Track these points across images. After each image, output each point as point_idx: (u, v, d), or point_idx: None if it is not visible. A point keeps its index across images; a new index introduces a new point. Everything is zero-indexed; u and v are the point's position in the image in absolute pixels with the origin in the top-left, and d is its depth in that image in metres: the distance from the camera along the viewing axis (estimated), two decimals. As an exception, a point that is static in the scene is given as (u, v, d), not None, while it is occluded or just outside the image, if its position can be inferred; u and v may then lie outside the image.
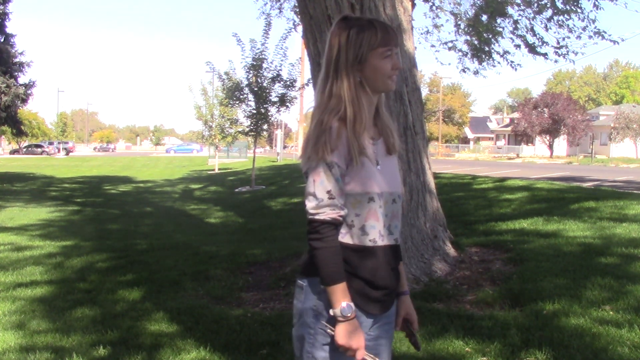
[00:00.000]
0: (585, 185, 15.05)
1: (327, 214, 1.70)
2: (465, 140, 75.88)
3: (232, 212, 13.16)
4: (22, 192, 18.51)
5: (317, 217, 1.70)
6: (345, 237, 1.75)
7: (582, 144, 52.37)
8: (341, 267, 1.70)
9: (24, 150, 62.63)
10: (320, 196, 1.69)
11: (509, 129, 62.75)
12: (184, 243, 7.78)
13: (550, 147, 51.33)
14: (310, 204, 1.71)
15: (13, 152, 64.04)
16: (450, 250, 5.56)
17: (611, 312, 3.98)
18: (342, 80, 1.75)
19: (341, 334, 1.67)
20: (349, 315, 1.67)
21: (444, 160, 43.13)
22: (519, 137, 58.32)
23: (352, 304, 1.68)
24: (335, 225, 1.71)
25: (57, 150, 60.80)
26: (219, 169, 30.46)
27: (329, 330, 1.71)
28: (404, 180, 5.16)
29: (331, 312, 1.69)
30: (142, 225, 10.63)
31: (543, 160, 44.99)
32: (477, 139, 75.11)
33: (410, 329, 1.94)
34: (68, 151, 62.06)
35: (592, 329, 3.68)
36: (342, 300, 1.67)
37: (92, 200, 16.06)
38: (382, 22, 1.82)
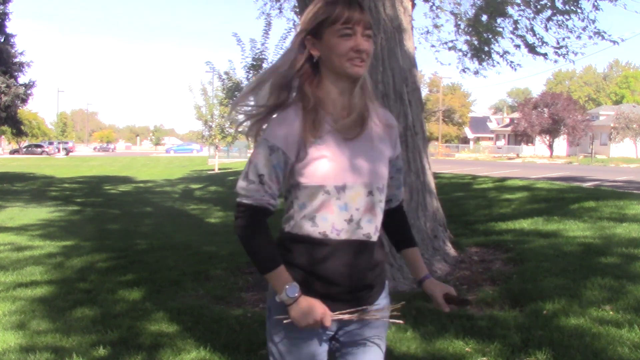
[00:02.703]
0: (585, 185, 15.05)
1: (254, 199, 1.60)
2: (465, 140, 75.86)
3: (232, 212, 13.13)
4: (22, 192, 18.51)
5: (244, 200, 1.61)
6: (291, 226, 1.65)
7: (582, 144, 52.36)
8: (274, 252, 1.61)
9: (24, 150, 62.61)
10: (251, 177, 1.60)
11: (509, 129, 62.75)
12: (184, 243, 7.77)
13: (550, 147, 51.33)
14: (241, 182, 1.62)
15: (13, 152, 64.02)
16: (450, 250, 5.56)
17: (611, 312, 3.98)
18: (302, 55, 1.63)
19: (297, 317, 1.58)
20: (296, 295, 1.57)
21: (444, 160, 43.12)
22: (519, 137, 58.33)
23: (294, 284, 1.58)
24: (263, 212, 1.61)
25: (57, 150, 60.77)
26: (219, 169, 30.46)
27: (284, 322, 1.62)
28: (404, 180, 5.15)
29: (277, 298, 1.60)
30: (142, 225, 10.63)
31: (543, 160, 44.98)
32: (477, 139, 75.11)
33: (454, 300, 1.76)
34: (68, 151, 62.04)
35: (592, 329, 3.68)
36: (283, 285, 1.58)
37: (92, 200, 16.05)
38: (357, 2, 1.61)
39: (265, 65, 17.50)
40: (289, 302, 1.58)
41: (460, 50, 10.95)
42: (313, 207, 1.60)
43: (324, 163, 1.59)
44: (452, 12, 10.62)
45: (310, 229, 1.61)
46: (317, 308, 1.58)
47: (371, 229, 1.65)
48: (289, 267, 1.62)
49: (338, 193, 1.60)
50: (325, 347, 1.71)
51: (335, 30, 1.58)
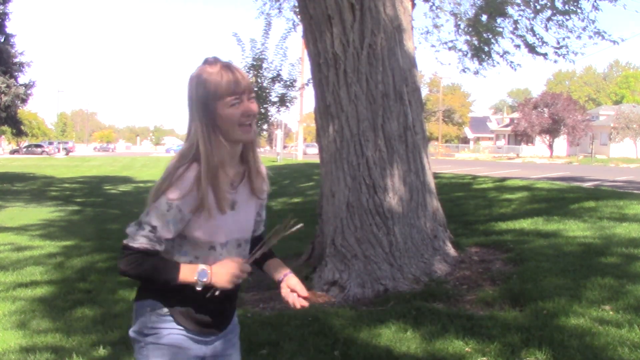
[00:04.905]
0: (585, 185, 15.05)
1: (140, 243, 1.67)
2: (465, 140, 75.88)
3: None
4: (22, 192, 18.50)
5: (131, 244, 1.67)
6: None
7: (582, 144, 52.36)
8: (167, 264, 1.70)
9: (24, 150, 62.57)
10: (144, 225, 1.68)
11: (509, 129, 62.73)
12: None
13: (550, 147, 51.33)
14: (130, 228, 1.70)
15: (13, 152, 63.97)
16: (450, 250, 5.55)
17: (611, 312, 3.99)
18: (197, 124, 1.71)
19: (222, 282, 1.72)
20: (208, 273, 1.70)
21: (444, 160, 43.10)
22: (519, 137, 58.30)
23: (200, 267, 1.70)
24: (147, 253, 1.68)
25: (57, 150, 60.71)
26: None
27: (216, 293, 1.75)
28: (404, 180, 5.15)
29: (197, 288, 1.70)
30: (142, 225, 10.63)
31: (543, 160, 44.97)
32: (477, 139, 75.10)
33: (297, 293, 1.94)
34: (68, 151, 61.96)
35: (592, 329, 3.68)
36: (193, 273, 1.69)
37: (92, 200, 16.05)
38: (234, 69, 1.71)
39: (265, 65, 17.49)
40: (205, 281, 1.71)
41: (460, 50, 10.94)
42: (200, 260, 1.76)
43: (217, 224, 1.75)
44: (452, 12, 10.60)
45: None
46: (228, 266, 1.74)
47: None
48: (180, 297, 1.74)
49: (222, 249, 1.79)
50: None
51: (225, 102, 1.72)
